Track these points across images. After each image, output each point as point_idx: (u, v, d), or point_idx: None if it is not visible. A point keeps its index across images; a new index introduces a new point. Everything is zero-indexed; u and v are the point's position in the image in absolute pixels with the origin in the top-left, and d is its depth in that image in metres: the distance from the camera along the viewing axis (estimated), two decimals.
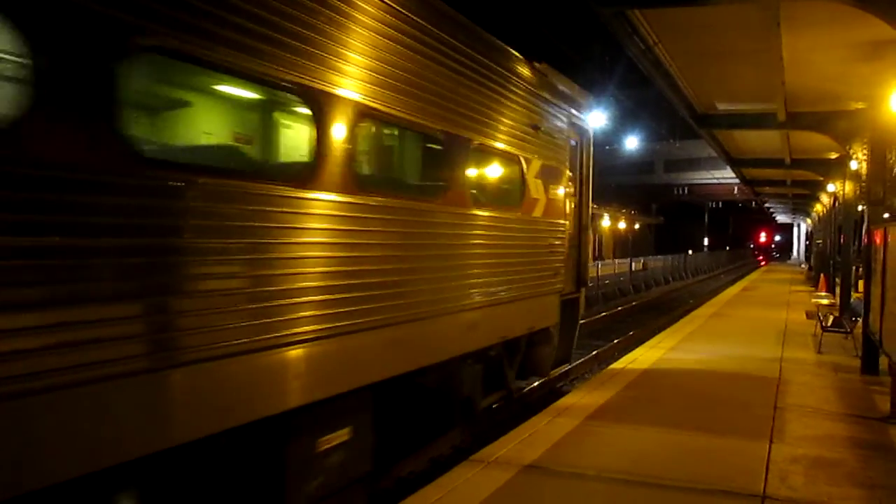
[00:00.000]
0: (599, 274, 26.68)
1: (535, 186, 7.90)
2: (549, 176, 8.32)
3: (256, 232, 3.97)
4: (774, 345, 12.43)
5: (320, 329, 4.45)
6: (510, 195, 7.67)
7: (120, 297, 3.21)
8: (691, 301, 27.79)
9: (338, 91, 4.55)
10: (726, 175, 46.61)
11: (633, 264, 33.75)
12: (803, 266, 47.44)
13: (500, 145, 7.08)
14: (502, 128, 7.09)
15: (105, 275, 3.17)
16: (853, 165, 15.36)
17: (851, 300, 15.00)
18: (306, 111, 4.42)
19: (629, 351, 12.15)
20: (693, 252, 54.14)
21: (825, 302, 18.32)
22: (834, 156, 19.87)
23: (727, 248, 76.48)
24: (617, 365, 10.45)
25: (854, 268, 16.70)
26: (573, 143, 9.41)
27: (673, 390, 8.65)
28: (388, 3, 5.09)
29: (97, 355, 3.09)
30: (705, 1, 8.93)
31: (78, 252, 3.04)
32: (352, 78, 4.69)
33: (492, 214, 6.98)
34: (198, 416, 3.64)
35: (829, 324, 12.22)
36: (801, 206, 43.71)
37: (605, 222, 51.52)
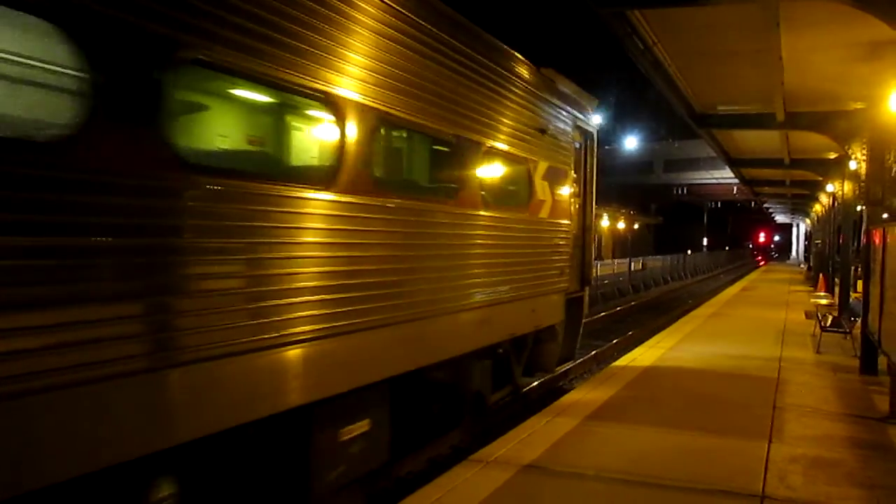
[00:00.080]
0: (598, 274, 26.65)
1: (541, 188, 8.12)
2: (555, 178, 8.54)
3: (285, 233, 4.21)
4: (773, 345, 12.43)
5: (343, 325, 4.67)
6: (518, 196, 7.90)
7: (173, 292, 3.47)
8: (690, 301, 27.80)
9: (359, 98, 4.77)
10: (725, 175, 46.67)
11: (633, 264, 33.76)
12: (802, 266, 47.46)
13: (508, 148, 7.30)
14: (511, 131, 7.29)
15: (162, 272, 3.41)
16: (852, 165, 15.37)
17: (850, 300, 15.01)
18: (330, 117, 4.63)
19: (628, 351, 12.15)
20: (692, 252, 54.17)
21: (824, 302, 18.31)
22: (833, 156, 19.88)
23: (726, 248, 76.52)
24: (616, 365, 10.44)
25: (853, 268, 16.71)
26: (577, 145, 9.60)
27: (672, 390, 8.65)
28: (409, 15, 5.37)
29: (160, 344, 3.37)
30: (705, 1, 8.93)
31: (131, 251, 3.26)
32: (372, 85, 4.91)
33: (500, 215, 7.19)
34: (237, 404, 3.88)
35: (828, 324, 12.23)
36: (800, 206, 43.71)
37: (605, 222, 51.56)
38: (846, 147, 14.90)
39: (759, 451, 6.16)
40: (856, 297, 13.93)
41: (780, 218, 71.79)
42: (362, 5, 4.83)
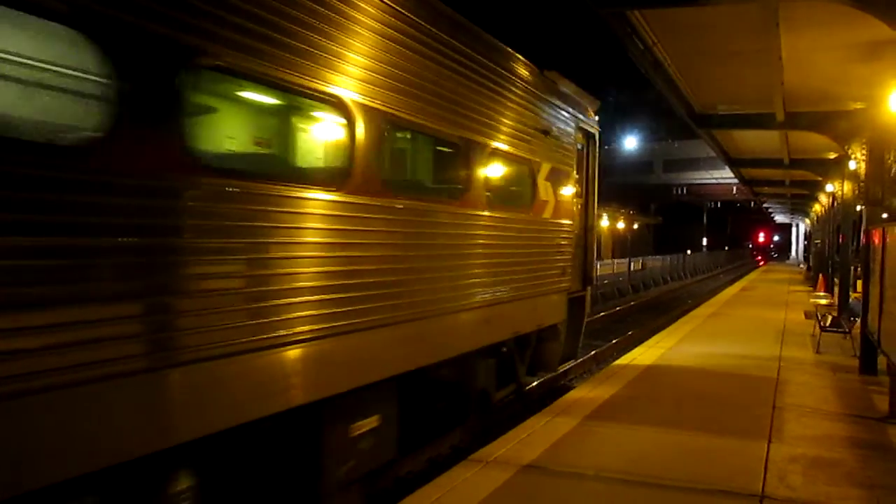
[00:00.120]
0: (598, 274, 26.64)
1: (544, 189, 8.24)
2: (558, 178, 8.67)
3: (298, 234, 4.34)
4: (773, 345, 12.44)
5: (353, 323, 4.79)
6: (522, 197, 8.02)
7: (197, 291, 3.61)
8: (690, 301, 27.81)
9: (369, 101, 4.90)
10: (725, 175, 46.71)
11: (632, 264, 33.78)
12: (802, 266, 47.48)
13: (512, 149, 7.41)
14: (515, 133, 7.41)
15: (184, 269, 3.54)
16: (852, 165, 15.37)
17: (850, 300, 15.02)
18: (342, 120, 4.75)
19: (628, 351, 12.16)
20: (691, 252, 54.18)
21: (824, 302, 18.32)
22: (832, 156, 19.88)
23: (726, 248, 76.53)
24: (616, 365, 10.45)
25: (852, 268, 16.71)
26: (580, 146, 9.72)
27: (672, 390, 8.66)
28: (417, 20, 5.50)
29: (196, 340, 3.55)
30: (705, 1, 8.94)
31: (160, 250, 3.40)
32: (381, 89, 5.03)
33: (504, 216, 7.31)
34: (258, 398, 4.02)
35: (827, 324, 12.23)
36: (799, 206, 43.72)
37: (604, 222, 51.55)
38: (846, 147, 14.90)
39: (759, 451, 6.16)
40: (855, 297, 13.94)
41: (780, 218, 71.82)
42: (373, 11, 4.95)
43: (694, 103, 15.73)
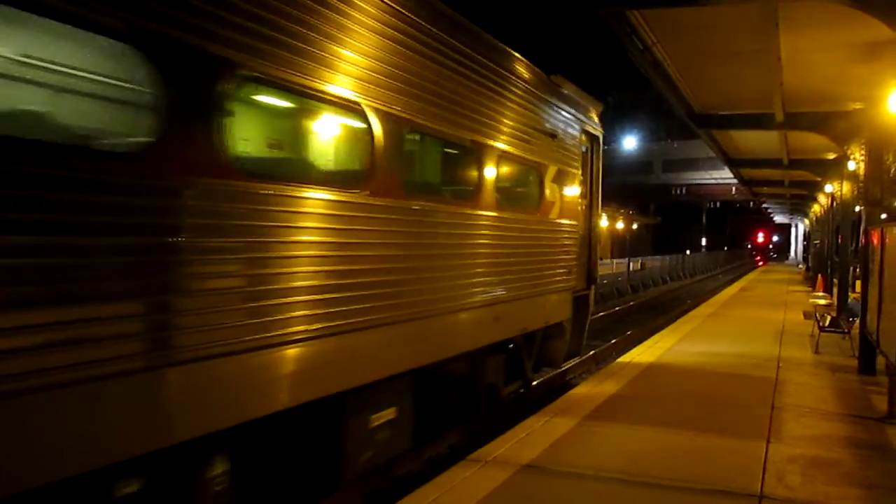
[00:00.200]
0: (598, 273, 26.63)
1: (551, 190, 8.50)
2: (564, 180, 8.95)
3: (323, 234, 4.55)
4: (772, 345, 12.44)
5: (374, 319, 5.05)
6: (530, 198, 8.33)
7: (239, 287, 3.88)
8: (689, 301, 27.81)
9: (389, 108, 5.16)
10: (724, 175, 46.72)
11: (631, 264, 33.79)
12: (801, 266, 47.49)
13: (522, 153, 7.69)
14: (524, 137, 7.67)
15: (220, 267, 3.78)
16: (851, 166, 15.37)
17: (849, 300, 15.03)
18: (365, 126, 5.00)
19: (627, 351, 12.16)
20: (691, 252, 54.19)
21: (823, 302, 18.32)
22: (832, 156, 19.88)
23: (725, 248, 76.54)
24: (615, 364, 10.46)
25: (851, 268, 16.73)
26: (584, 148, 9.95)
27: (671, 390, 8.65)
28: (439, 33, 5.81)
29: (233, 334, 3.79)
30: (705, 1, 8.94)
31: (201, 250, 3.63)
32: (402, 96, 5.30)
33: (514, 216, 7.63)
34: (296, 385, 4.29)
35: (826, 324, 12.24)
36: (798, 206, 43.73)
37: (603, 222, 51.54)
38: (845, 147, 14.91)
39: (758, 451, 6.16)
40: (854, 298, 13.95)
41: (779, 218, 71.82)
42: (401, 25, 5.26)
43: (693, 103, 15.72)
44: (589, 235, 10.34)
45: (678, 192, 71.04)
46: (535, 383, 10.10)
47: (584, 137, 9.80)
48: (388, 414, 5.53)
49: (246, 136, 4.47)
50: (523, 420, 7.07)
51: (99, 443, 3.14)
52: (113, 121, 3.82)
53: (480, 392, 7.52)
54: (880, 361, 9.34)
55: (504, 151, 7.15)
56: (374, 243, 5.06)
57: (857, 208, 15.99)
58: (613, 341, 16.20)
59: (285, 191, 4.19)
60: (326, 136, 5.50)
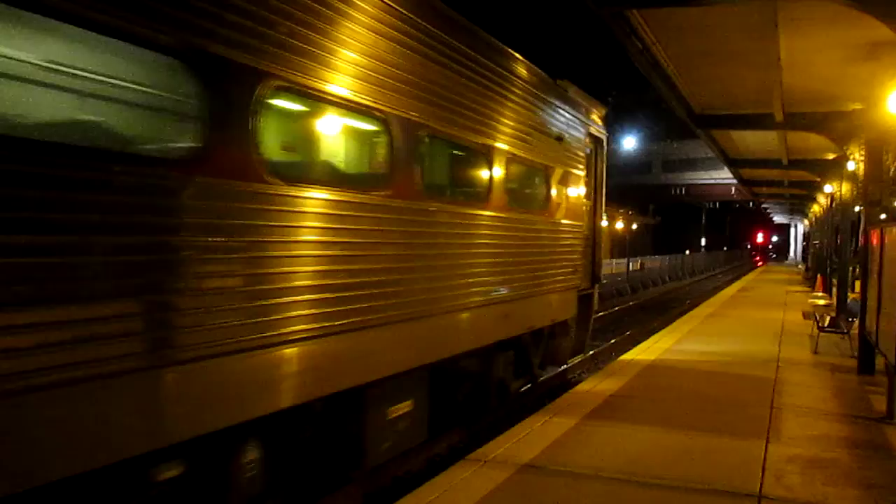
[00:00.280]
0: None
1: (557, 191, 8.73)
2: (570, 182, 9.18)
3: (347, 234, 4.73)
4: (771, 345, 12.45)
5: (393, 315, 5.24)
6: (537, 200, 8.55)
7: (275, 285, 4.07)
8: (688, 301, 27.80)
9: (409, 115, 5.38)
10: (724, 175, 46.73)
11: (631, 264, 33.81)
12: (800, 267, 47.51)
13: (530, 156, 7.92)
14: (533, 140, 7.89)
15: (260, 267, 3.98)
16: (850, 166, 15.39)
17: (848, 301, 15.05)
18: (387, 131, 5.21)
19: (626, 351, 12.16)
20: (690, 252, 54.21)
21: (822, 302, 18.36)
22: (831, 156, 19.91)
23: (724, 248, 76.57)
24: (614, 364, 10.47)
25: (851, 268, 16.75)
26: (588, 150, 10.16)
27: (670, 389, 8.66)
28: (458, 44, 6.06)
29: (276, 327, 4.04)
30: (705, 1, 8.95)
31: (250, 248, 3.87)
32: (420, 102, 5.51)
33: (522, 217, 7.85)
34: (322, 379, 4.51)
35: (825, 324, 12.25)
36: (798, 206, 43.80)
37: (603, 222, 51.59)
38: (844, 148, 14.92)
39: (757, 451, 6.17)
40: (853, 298, 13.96)
41: (779, 218, 71.90)
42: (424, 38, 5.51)
43: (693, 103, 15.73)
44: (593, 235, 10.54)
45: (678, 192, 71.00)
46: (541, 380, 10.15)
47: (588, 140, 10.00)
48: (406, 406, 5.77)
49: (285, 142, 4.74)
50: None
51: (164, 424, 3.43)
52: (161, 130, 4.03)
53: (490, 387, 7.76)
54: (879, 361, 9.34)
55: (513, 154, 7.34)
56: (394, 243, 5.26)
57: (857, 208, 16.00)
58: (613, 341, 16.22)
59: (315, 193, 4.42)
60: (353, 141, 5.71)
